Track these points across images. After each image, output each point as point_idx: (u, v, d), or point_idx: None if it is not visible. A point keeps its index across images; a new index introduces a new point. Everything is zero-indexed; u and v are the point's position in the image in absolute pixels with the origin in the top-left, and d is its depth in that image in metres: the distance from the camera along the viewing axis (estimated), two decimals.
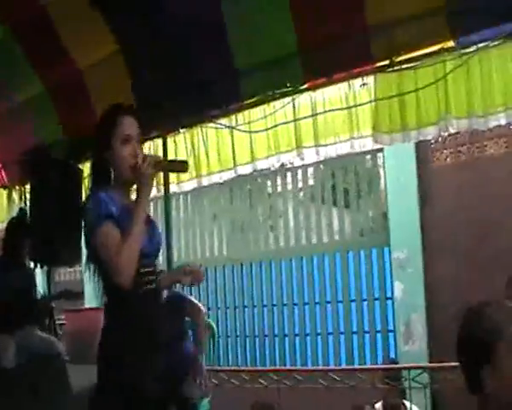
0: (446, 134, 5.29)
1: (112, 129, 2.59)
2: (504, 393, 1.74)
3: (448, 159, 6.09)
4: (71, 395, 4.03)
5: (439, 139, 5.95)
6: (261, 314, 7.47)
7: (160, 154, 4.65)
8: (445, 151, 6.09)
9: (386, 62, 3.69)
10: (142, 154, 2.63)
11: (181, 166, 2.83)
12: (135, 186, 2.63)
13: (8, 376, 4.07)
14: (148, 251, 2.58)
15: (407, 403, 5.17)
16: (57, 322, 5.64)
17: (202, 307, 4.96)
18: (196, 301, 5.10)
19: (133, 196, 2.65)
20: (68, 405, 3.95)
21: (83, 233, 2.58)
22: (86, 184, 5.30)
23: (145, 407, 2.49)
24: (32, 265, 5.34)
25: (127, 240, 2.44)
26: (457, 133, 5.40)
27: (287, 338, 7.26)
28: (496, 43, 3.44)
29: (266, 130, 4.39)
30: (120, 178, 2.62)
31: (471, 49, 3.51)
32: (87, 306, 6.84)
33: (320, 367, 6.65)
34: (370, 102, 3.98)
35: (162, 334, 2.62)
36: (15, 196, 5.86)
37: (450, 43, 3.51)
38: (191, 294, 7.73)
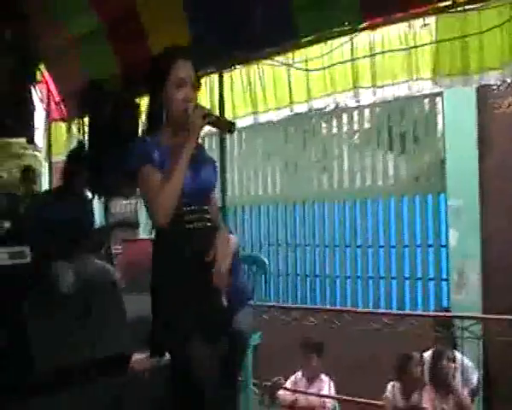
0: (509, 80, 5.11)
1: (166, 72, 2.59)
2: None
3: (510, 106, 5.88)
4: (125, 323, 4.16)
5: (502, 85, 5.74)
6: (313, 254, 7.48)
7: (217, 90, 4.67)
8: (507, 98, 5.88)
9: (449, 2, 3.57)
10: (195, 99, 2.64)
11: (228, 126, 2.80)
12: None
13: (66, 301, 4.21)
14: (190, 191, 2.60)
15: (458, 354, 5.14)
16: (113, 251, 5.80)
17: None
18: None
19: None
20: (122, 333, 4.08)
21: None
22: (142, 117, 5.39)
23: (199, 339, 2.54)
24: (89, 196, 5.48)
25: (166, 182, 2.49)
26: None
27: (338, 280, 7.29)
28: None
29: (323, 69, 4.33)
30: (171, 121, 2.64)
31: None
32: (142, 236, 6.98)
33: (371, 310, 6.66)
34: (431, 43, 3.86)
35: (209, 272, 2.62)
36: (74, 128, 6.00)
37: None
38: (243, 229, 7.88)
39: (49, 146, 6.28)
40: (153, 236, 2.74)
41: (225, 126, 2.83)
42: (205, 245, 2.62)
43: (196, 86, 2.68)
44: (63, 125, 6.14)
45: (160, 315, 2.63)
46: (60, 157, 5.97)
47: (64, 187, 5.14)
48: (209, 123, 2.66)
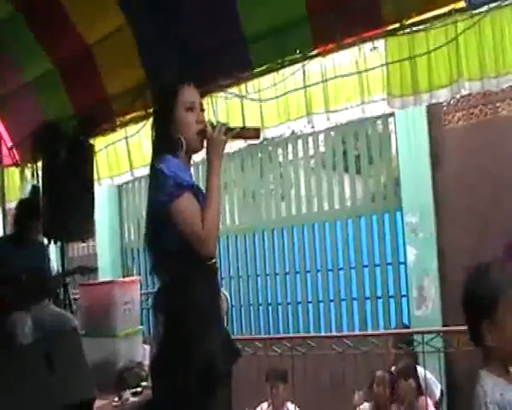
0: (458, 96, 5.24)
1: (175, 98, 2.55)
2: (503, 346, 1.84)
3: (460, 121, 6.01)
4: (87, 369, 4.07)
5: (451, 101, 5.87)
6: (274, 282, 7.48)
7: None
8: (457, 113, 6.02)
9: (397, 25, 3.65)
10: (208, 121, 2.59)
11: (253, 133, 2.70)
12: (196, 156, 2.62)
13: (25, 351, 4.11)
14: None
15: (420, 368, 5.18)
16: (72, 297, 5.67)
17: None
18: None
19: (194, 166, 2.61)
20: (85, 379, 3.99)
21: (151, 199, 2.50)
22: (97, 159, 5.33)
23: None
24: (45, 241, 5.37)
25: (209, 209, 2.40)
26: (469, 95, 5.34)
27: (300, 305, 7.28)
28: (508, 2, 3.39)
29: (276, 98, 4.35)
30: (187, 147, 2.54)
31: (483, 10, 3.46)
32: (100, 280, 6.86)
33: (333, 334, 6.67)
34: (381, 65, 3.93)
35: (220, 307, 2.66)
36: (27, 173, 5.88)
37: (462, 4, 3.46)
38: None
39: (3, 192, 6.14)
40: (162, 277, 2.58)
41: (252, 135, 2.72)
42: (218, 282, 2.64)
43: (203, 110, 2.64)
44: (16, 171, 6.02)
45: (188, 353, 2.43)
46: (14, 203, 5.84)
47: (19, 234, 5.03)
48: (234, 136, 2.60)
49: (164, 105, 2.61)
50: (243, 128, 2.75)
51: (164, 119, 2.58)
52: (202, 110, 2.62)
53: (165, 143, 2.54)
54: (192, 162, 2.68)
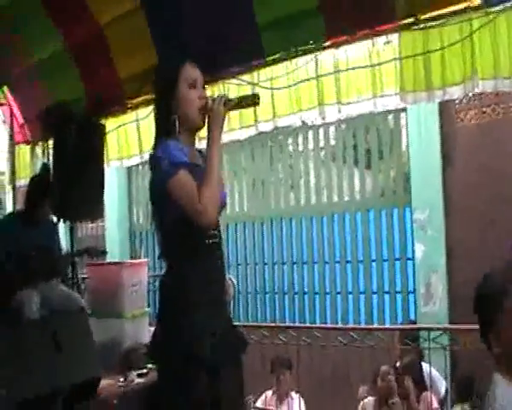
0: (471, 94, 5.22)
1: (178, 74, 2.55)
2: (508, 351, 1.82)
3: (472, 120, 5.99)
4: (94, 348, 4.09)
5: (464, 99, 5.85)
6: (281, 272, 7.51)
7: None
8: (469, 112, 5.99)
9: (411, 20, 3.63)
10: (209, 97, 2.61)
11: (252, 100, 2.69)
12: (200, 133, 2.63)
13: (31, 329, 4.13)
14: None
15: (425, 365, 5.18)
16: (80, 276, 5.70)
17: None
18: None
19: (199, 145, 2.64)
20: (91, 359, 4.01)
21: (150, 183, 2.55)
22: (107, 140, 5.35)
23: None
24: (55, 220, 5.40)
25: (207, 180, 2.41)
26: (482, 94, 5.31)
27: (306, 296, 7.30)
28: None
29: (288, 87, 4.34)
30: (187, 125, 2.57)
31: (498, 8, 3.43)
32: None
33: (339, 325, 6.67)
34: (394, 60, 3.91)
35: (224, 286, 2.67)
36: (38, 152, 5.91)
37: (477, 1, 3.43)
38: None
39: (14, 170, 6.18)
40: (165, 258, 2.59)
41: (251, 102, 2.71)
42: (222, 261, 2.62)
43: (205, 88, 2.66)
44: (27, 149, 6.06)
45: (185, 330, 2.45)
46: (24, 181, 5.88)
47: (29, 211, 5.06)
48: (234, 106, 2.61)
49: (166, 82, 2.60)
50: (242, 97, 2.74)
51: (166, 96, 2.58)
52: (204, 87, 2.63)
53: (166, 122, 2.55)
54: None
